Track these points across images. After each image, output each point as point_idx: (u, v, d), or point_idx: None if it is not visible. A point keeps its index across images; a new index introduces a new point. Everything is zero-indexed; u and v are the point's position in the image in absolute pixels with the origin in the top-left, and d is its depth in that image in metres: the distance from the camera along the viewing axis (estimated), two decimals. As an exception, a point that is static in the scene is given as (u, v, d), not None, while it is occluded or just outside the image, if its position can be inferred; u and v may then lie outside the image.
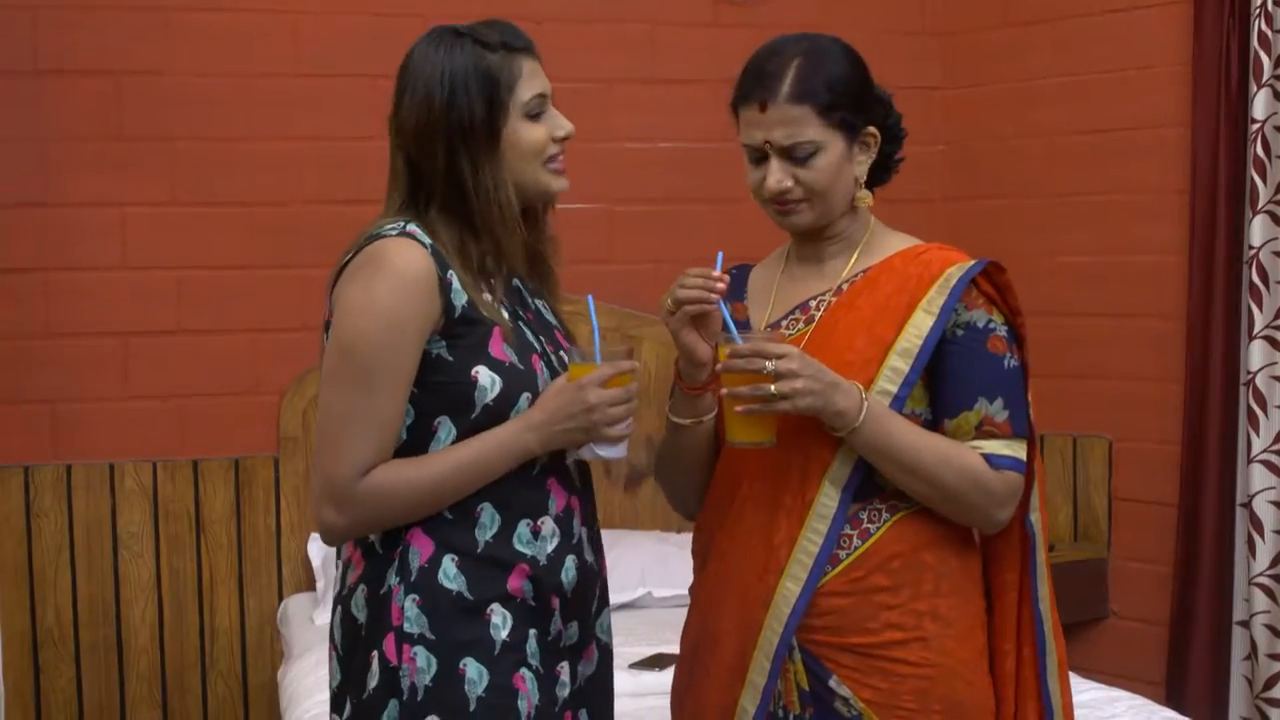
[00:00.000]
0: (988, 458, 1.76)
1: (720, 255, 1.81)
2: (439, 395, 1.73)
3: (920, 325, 1.76)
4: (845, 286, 1.84)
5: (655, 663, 3.03)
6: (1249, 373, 3.43)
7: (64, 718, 3.54)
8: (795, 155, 1.79)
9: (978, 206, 4.04)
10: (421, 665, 1.71)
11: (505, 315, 1.77)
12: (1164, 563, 3.68)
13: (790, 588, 1.75)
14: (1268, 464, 3.41)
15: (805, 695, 1.79)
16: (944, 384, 1.78)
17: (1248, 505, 3.44)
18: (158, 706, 3.59)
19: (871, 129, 1.83)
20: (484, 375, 1.72)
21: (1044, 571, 1.84)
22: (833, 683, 1.77)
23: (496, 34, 1.78)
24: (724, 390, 1.74)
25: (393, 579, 1.74)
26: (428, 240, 1.74)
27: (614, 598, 3.42)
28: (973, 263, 1.79)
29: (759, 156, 1.83)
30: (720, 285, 1.72)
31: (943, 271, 1.79)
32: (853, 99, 1.80)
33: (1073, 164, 3.89)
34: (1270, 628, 3.39)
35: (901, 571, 1.76)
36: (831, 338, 1.80)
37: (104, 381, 3.56)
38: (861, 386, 1.73)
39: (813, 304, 1.86)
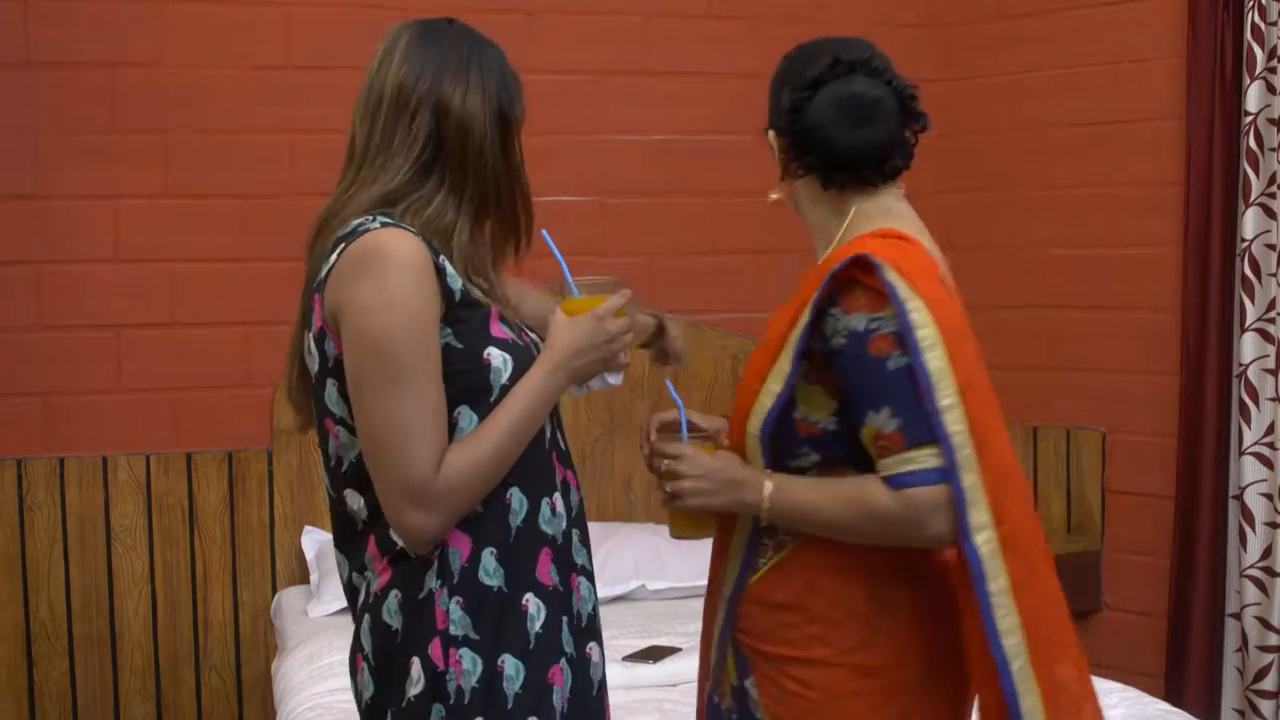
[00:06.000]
0: (886, 479, 1.66)
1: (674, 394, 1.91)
2: (455, 386, 1.71)
3: (801, 321, 1.71)
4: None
5: (649, 655, 3.03)
6: (1241, 365, 3.44)
7: (57, 711, 3.54)
8: None
9: (971, 199, 4.04)
10: (468, 667, 1.70)
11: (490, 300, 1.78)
12: (1157, 555, 3.69)
13: (725, 593, 1.84)
14: (1259, 456, 3.42)
15: (734, 689, 1.83)
16: (845, 400, 1.71)
17: (1239, 497, 3.45)
18: (151, 699, 3.59)
19: (770, 132, 1.84)
20: (495, 356, 1.72)
21: (1008, 602, 1.63)
22: (748, 683, 1.79)
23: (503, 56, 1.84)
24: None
25: (433, 582, 1.71)
26: (413, 229, 1.73)
27: (607, 590, 3.46)
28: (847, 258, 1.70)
29: None
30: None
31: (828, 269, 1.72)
32: (770, 100, 1.85)
33: (1066, 157, 3.89)
34: (1260, 619, 3.40)
35: (800, 593, 1.75)
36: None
37: (97, 374, 3.55)
38: (765, 477, 1.74)
39: None
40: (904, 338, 1.64)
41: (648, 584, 3.56)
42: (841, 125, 1.76)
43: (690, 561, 3.59)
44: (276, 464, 3.66)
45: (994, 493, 1.64)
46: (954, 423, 1.63)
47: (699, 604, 3.50)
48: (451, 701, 1.70)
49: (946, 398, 1.63)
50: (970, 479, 1.63)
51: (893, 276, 1.66)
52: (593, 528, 3.97)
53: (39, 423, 3.52)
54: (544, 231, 1.87)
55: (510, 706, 1.71)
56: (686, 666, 2.96)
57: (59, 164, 3.51)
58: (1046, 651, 1.66)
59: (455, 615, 1.71)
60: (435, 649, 1.71)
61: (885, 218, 1.79)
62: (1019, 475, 1.71)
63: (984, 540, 1.63)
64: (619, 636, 3.17)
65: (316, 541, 3.59)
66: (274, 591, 3.67)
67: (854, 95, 1.76)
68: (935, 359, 1.64)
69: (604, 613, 3.32)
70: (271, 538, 3.68)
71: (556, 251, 1.85)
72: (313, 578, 3.51)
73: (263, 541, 3.67)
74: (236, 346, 3.63)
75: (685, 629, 3.22)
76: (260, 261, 3.59)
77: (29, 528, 3.51)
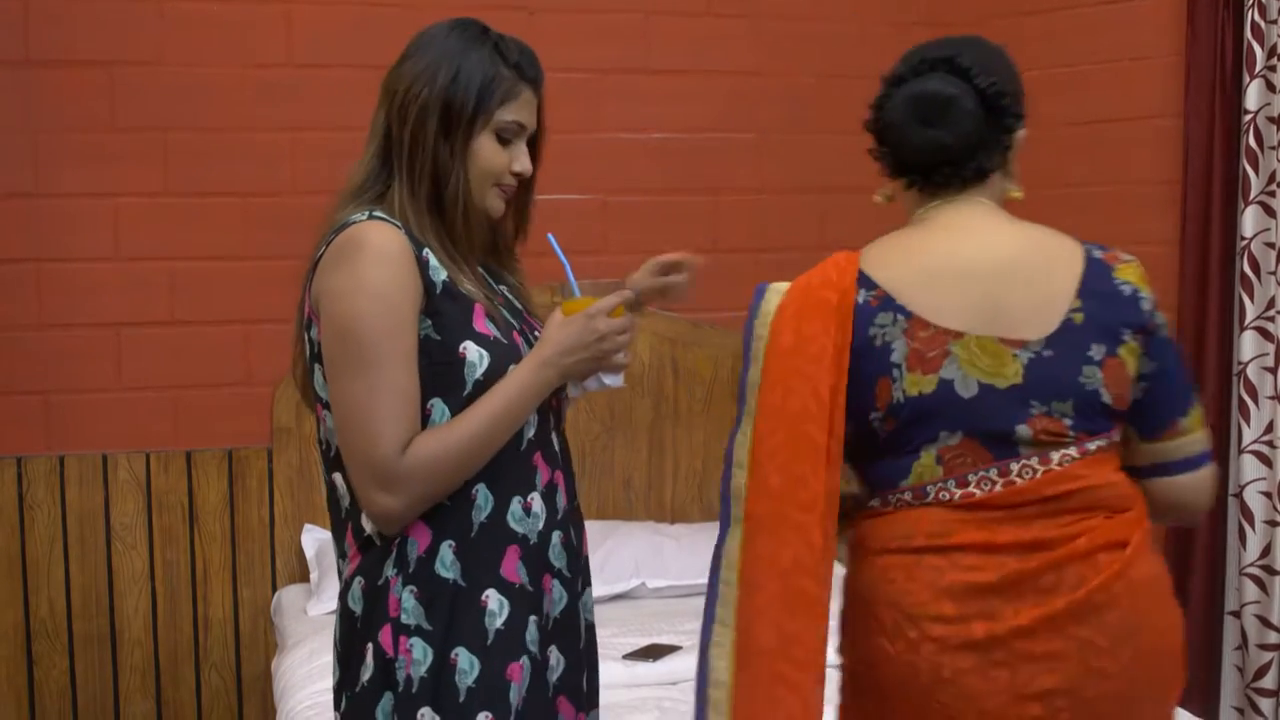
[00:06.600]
0: None
1: None
2: (430, 378, 1.73)
3: None
4: None
5: (649, 653, 3.03)
6: (1240, 363, 3.44)
7: (58, 710, 3.54)
8: None
9: (971, 197, 4.03)
10: (418, 657, 1.72)
11: (482, 295, 1.79)
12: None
13: None
14: (1258, 454, 3.42)
15: None
16: None
17: (1239, 495, 3.45)
18: (151, 698, 3.60)
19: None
20: (471, 350, 1.74)
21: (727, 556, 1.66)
22: None
23: (516, 53, 1.83)
24: None
25: (390, 570, 1.74)
26: (398, 223, 1.76)
27: (607, 588, 3.47)
28: None
29: None
30: None
31: None
32: None
33: (1066, 155, 3.89)
34: (1260, 618, 3.40)
35: None
36: None
37: (97, 372, 3.55)
38: None
39: None
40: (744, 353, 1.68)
41: (648, 582, 3.56)
42: (912, 124, 1.72)
43: (690, 559, 3.60)
44: (276, 462, 3.67)
45: (754, 527, 1.62)
46: (740, 443, 1.63)
47: (699, 602, 3.50)
48: (400, 690, 1.71)
49: (746, 414, 1.64)
50: (736, 510, 1.63)
51: (762, 301, 1.68)
52: (593, 527, 3.97)
53: (39, 421, 3.53)
54: (550, 235, 1.88)
55: (461, 699, 1.72)
56: (686, 665, 2.96)
57: (58, 163, 3.52)
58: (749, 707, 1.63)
59: (408, 604, 1.73)
60: (386, 636, 1.73)
61: (913, 228, 1.76)
62: (809, 524, 1.62)
63: (725, 581, 1.66)
64: (619, 635, 3.17)
65: (316, 540, 3.60)
66: (274, 590, 3.67)
67: (925, 93, 1.71)
68: (754, 372, 1.65)
69: (604, 611, 3.33)
70: (271, 536, 3.68)
71: (560, 252, 1.87)
72: (313, 576, 3.51)
73: (263, 540, 3.67)
74: (236, 345, 3.63)
75: (685, 627, 3.22)
76: (260, 260, 3.60)
77: (29, 526, 3.51)
